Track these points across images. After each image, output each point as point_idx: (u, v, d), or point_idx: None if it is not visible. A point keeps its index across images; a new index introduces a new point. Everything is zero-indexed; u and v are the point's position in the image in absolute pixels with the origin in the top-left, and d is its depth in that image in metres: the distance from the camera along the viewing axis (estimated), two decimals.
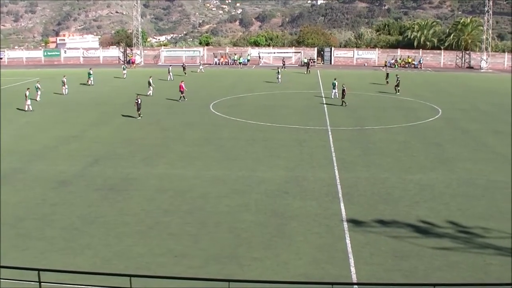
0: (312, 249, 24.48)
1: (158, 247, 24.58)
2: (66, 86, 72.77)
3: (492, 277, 21.86)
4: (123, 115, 56.89)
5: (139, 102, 56.21)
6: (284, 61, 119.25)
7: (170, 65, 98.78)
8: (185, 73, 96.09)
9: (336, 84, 68.56)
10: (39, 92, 68.25)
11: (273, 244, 25.03)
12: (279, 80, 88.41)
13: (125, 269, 21.95)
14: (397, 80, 77.89)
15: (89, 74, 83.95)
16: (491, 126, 54.31)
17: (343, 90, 65.70)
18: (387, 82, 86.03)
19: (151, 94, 70.95)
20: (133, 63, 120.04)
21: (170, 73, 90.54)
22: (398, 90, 76.93)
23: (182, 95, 67.30)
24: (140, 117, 55.62)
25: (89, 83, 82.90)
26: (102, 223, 27.48)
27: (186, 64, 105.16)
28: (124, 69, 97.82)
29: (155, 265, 22.71)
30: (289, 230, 26.73)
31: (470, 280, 21.28)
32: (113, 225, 27.17)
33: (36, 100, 65.70)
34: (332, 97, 68.75)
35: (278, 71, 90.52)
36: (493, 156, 42.24)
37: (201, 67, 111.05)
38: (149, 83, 72.03)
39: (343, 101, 65.34)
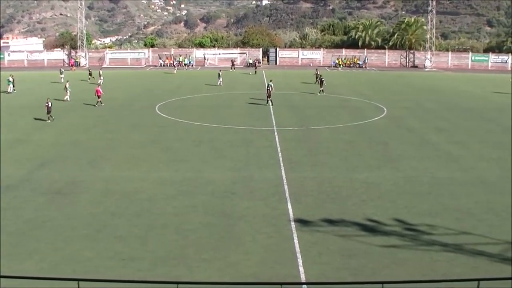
0: (260, 250, 24.47)
1: (106, 250, 24.32)
2: None
3: (439, 273, 22.09)
4: (65, 118, 56.19)
5: (49, 105, 55.11)
6: (233, 62, 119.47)
7: (101, 68, 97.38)
8: (92, 77, 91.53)
9: (272, 85, 68.55)
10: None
11: (221, 245, 24.96)
12: (221, 83, 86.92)
13: (73, 273, 21.69)
14: (321, 80, 78.16)
15: (8, 81, 77.69)
16: (435, 123, 55.10)
17: (268, 89, 66.48)
18: (317, 81, 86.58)
19: (68, 99, 68.67)
20: (72, 66, 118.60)
21: (101, 77, 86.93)
22: (322, 90, 77.24)
23: (99, 100, 65.27)
24: (52, 120, 54.89)
25: (9, 91, 76.89)
26: (49, 227, 27.07)
27: (97, 67, 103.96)
28: (61, 73, 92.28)
29: (103, 269, 22.46)
30: (237, 231, 26.69)
31: (418, 277, 21.47)
32: (60, 229, 26.79)
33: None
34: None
35: (219, 74, 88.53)
36: (437, 154, 42.79)
37: (176, 68, 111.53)
38: (66, 88, 69.78)
39: (269, 100, 66.00)
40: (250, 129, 51.72)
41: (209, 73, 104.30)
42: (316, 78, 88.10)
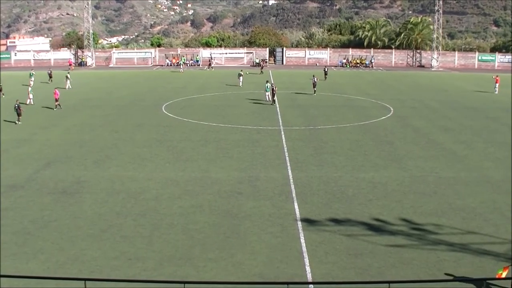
0: (266, 249, 24.43)
1: (112, 250, 24.30)
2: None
3: (445, 272, 22.07)
4: (70, 118, 56.25)
5: (16, 106, 54.38)
6: (210, 62, 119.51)
7: (68, 72, 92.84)
8: (51, 80, 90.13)
9: (269, 86, 68.82)
10: None
11: (227, 244, 24.93)
12: (241, 83, 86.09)
13: (79, 273, 21.67)
14: (314, 80, 77.84)
15: None
16: (441, 123, 55.04)
17: (273, 90, 67.01)
18: (325, 78, 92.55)
19: (31, 103, 66.59)
20: (70, 65, 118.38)
21: (68, 80, 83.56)
22: (315, 91, 77.02)
23: (57, 103, 62.86)
24: (19, 123, 54.06)
25: None
26: (55, 227, 27.06)
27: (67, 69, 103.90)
28: (31, 75, 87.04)
29: (108, 268, 22.42)
30: (243, 231, 26.65)
31: (424, 277, 21.45)
32: (66, 229, 26.77)
33: None
34: (267, 99, 68.78)
35: (240, 74, 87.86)
36: (443, 153, 42.70)
37: (181, 67, 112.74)
38: (28, 92, 68.05)
39: (273, 99, 66.91)
40: (257, 128, 51.70)
41: (214, 73, 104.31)
42: (325, 74, 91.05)
